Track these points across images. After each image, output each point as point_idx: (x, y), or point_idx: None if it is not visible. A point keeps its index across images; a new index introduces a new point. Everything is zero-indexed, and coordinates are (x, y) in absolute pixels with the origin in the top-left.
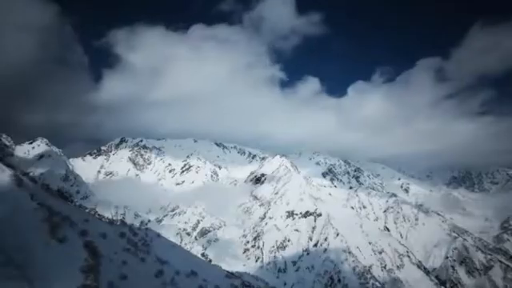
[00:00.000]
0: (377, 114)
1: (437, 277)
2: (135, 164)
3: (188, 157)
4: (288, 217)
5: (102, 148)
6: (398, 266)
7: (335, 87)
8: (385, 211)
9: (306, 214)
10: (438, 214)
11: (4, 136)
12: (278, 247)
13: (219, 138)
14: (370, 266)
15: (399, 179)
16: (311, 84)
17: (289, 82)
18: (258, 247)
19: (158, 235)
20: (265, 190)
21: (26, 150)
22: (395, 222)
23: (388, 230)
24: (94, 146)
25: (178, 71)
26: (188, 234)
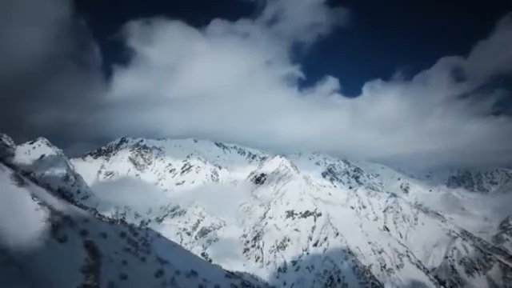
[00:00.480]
0: (389, 114)
1: (436, 276)
2: (135, 164)
3: (188, 157)
4: (288, 217)
5: (103, 148)
6: (397, 266)
7: (354, 86)
8: (384, 211)
9: (306, 214)
10: (438, 214)
11: (5, 136)
12: (277, 247)
13: (221, 137)
14: (370, 266)
15: (399, 179)
16: (330, 84)
17: (307, 82)
18: (258, 247)
19: (159, 235)
20: (265, 190)
21: (27, 150)
22: (395, 222)
23: (387, 229)
24: (100, 145)
25: (195, 68)
26: (188, 234)
